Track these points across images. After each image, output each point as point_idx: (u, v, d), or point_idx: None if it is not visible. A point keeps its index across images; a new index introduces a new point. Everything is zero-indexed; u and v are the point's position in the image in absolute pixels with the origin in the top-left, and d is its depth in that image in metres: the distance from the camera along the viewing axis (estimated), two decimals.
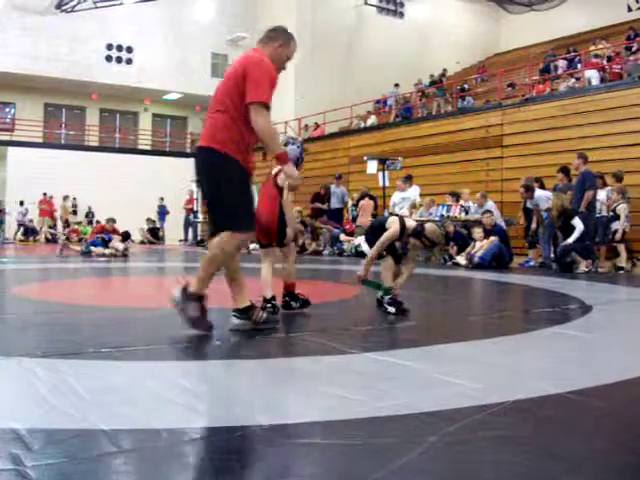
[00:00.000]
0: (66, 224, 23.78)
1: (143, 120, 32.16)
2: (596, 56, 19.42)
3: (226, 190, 3.83)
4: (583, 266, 9.72)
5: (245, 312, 4.12)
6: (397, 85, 27.66)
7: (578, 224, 9.79)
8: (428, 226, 5.05)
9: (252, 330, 4.06)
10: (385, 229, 4.98)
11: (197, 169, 4.00)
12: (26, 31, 26.47)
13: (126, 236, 15.08)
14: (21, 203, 24.78)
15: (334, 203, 17.08)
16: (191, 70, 29.89)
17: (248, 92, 3.77)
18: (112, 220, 15.33)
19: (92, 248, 14.07)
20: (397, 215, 5.48)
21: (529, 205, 11.35)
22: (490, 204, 12.51)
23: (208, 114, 3.99)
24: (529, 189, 10.99)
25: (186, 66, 29.76)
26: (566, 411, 2.35)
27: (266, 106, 3.82)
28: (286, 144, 4.93)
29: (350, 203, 17.15)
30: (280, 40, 4.08)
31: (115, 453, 1.83)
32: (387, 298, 4.85)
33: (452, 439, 2.00)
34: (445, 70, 30.35)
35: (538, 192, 11.07)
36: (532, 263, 11.40)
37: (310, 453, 1.89)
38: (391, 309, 4.81)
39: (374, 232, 5.11)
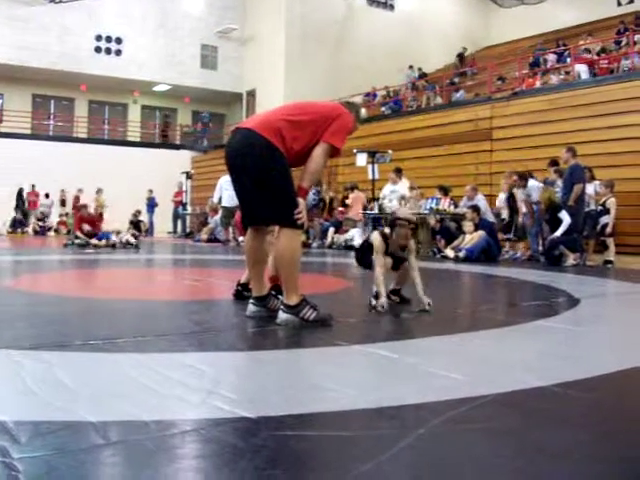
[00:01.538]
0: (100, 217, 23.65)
1: (132, 112, 32.04)
2: (586, 50, 19.47)
3: (286, 186, 3.94)
4: (571, 259, 9.77)
5: (263, 300, 4.25)
6: (411, 67, 27.75)
7: (565, 217, 9.83)
8: (399, 211, 5.20)
9: (243, 321, 4.10)
10: (371, 245, 4.99)
11: (243, 151, 3.98)
12: (15, 21, 26.31)
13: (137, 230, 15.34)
14: (46, 195, 25.07)
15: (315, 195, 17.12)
16: (180, 62, 29.82)
17: (329, 133, 4.01)
18: (84, 207, 15.53)
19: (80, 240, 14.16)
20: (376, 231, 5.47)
21: (521, 195, 11.33)
22: (479, 197, 12.55)
23: (279, 114, 4.05)
24: (523, 177, 11.03)
25: (175, 58, 29.69)
26: (552, 404, 2.36)
27: (334, 153, 4.07)
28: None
29: (327, 195, 17.25)
30: (354, 114, 4.31)
31: (103, 445, 1.83)
32: (374, 291, 4.83)
33: (438, 431, 2.01)
34: (465, 49, 30.31)
35: (531, 182, 11.11)
36: (518, 255, 11.46)
37: (298, 445, 1.90)
38: (373, 301, 4.79)
39: (364, 250, 5.14)
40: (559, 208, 9.95)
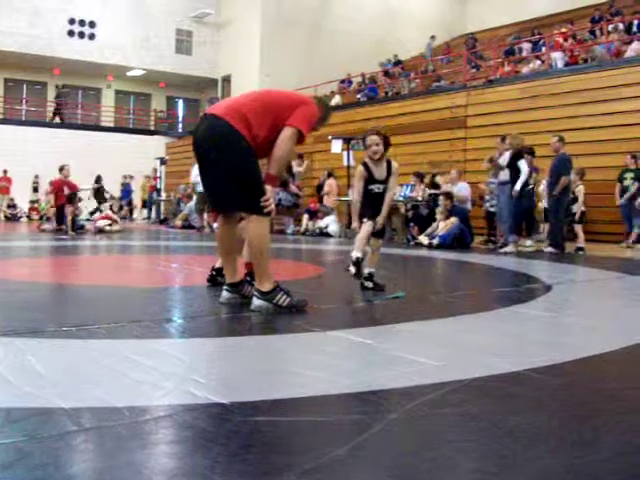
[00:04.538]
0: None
1: (106, 97, 31.71)
2: (562, 39, 19.55)
3: (254, 174, 3.93)
4: (510, 247, 9.81)
5: (236, 286, 4.26)
6: (433, 37, 27.55)
7: (523, 167, 9.74)
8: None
9: (217, 308, 4.11)
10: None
11: (210, 139, 3.95)
12: None
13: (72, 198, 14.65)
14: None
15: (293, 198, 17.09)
16: (155, 46, 29.52)
17: (294, 117, 3.96)
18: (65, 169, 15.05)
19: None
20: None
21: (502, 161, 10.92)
22: (463, 185, 12.52)
23: (246, 99, 4.06)
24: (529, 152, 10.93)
25: (150, 42, 29.39)
26: (524, 389, 2.39)
27: (300, 138, 4.02)
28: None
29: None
30: (322, 112, 4.29)
31: (76, 431, 1.82)
32: (354, 258, 5.05)
33: (412, 416, 2.03)
34: (473, 34, 30.01)
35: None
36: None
37: (271, 430, 1.90)
38: (352, 269, 5.07)
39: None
40: (519, 155, 9.84)
